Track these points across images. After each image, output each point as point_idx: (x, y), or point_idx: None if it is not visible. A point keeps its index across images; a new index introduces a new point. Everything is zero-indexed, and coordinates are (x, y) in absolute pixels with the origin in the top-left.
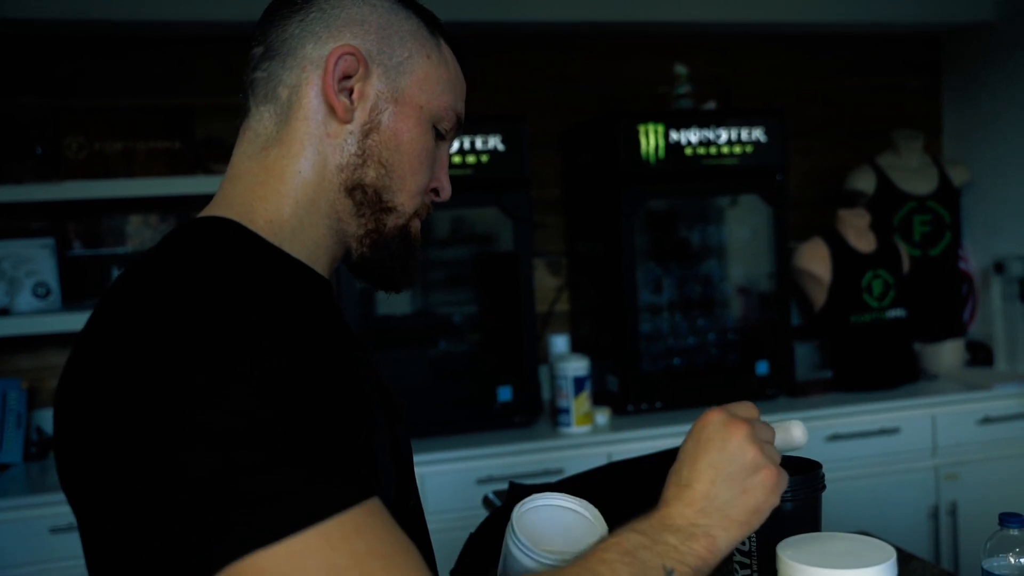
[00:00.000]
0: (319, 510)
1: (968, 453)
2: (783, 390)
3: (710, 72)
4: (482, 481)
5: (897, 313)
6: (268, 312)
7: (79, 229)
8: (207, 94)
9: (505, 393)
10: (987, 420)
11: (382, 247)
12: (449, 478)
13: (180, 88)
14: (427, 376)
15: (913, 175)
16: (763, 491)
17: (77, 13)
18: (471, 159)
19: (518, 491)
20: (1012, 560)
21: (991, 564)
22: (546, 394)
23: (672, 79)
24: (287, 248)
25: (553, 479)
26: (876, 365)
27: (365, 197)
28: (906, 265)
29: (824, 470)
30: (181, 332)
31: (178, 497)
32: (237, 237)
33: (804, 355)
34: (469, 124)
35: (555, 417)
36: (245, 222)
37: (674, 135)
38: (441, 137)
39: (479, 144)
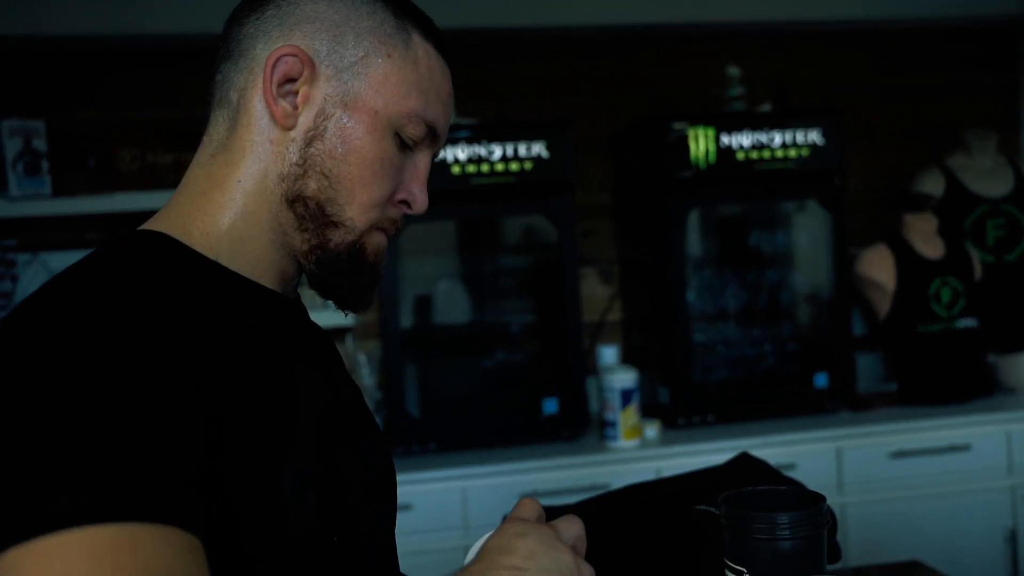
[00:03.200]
0: (88, 515)
1: None
2: (844, 403)
3: (764, 73)
4: (525, 495)
5: (968, 323)
6: (139, 331)
7: None
8: None
9: (551, 405)
10: None
11: (328, 264)
12: (492, 492)
13: None
14: (478, 386)
15: (986, 176)
16: None
17: (129, 28)
18: (514, 166)
19: None
20: None
21: None
22: (595, 406)
23: (724, 81)
24: (224, 261)
25: (597, 494)
26: (945, 377)
27: (307, 210)
28: (978, 272)
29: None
30: (45, 340)
31: None
32: (154, 252)
33: (867, 367)
34: (512, 130)
35: (602, 430)
36: (179, 234)
37: (725, 139)
38: (408, 146)
39: (522, 151)
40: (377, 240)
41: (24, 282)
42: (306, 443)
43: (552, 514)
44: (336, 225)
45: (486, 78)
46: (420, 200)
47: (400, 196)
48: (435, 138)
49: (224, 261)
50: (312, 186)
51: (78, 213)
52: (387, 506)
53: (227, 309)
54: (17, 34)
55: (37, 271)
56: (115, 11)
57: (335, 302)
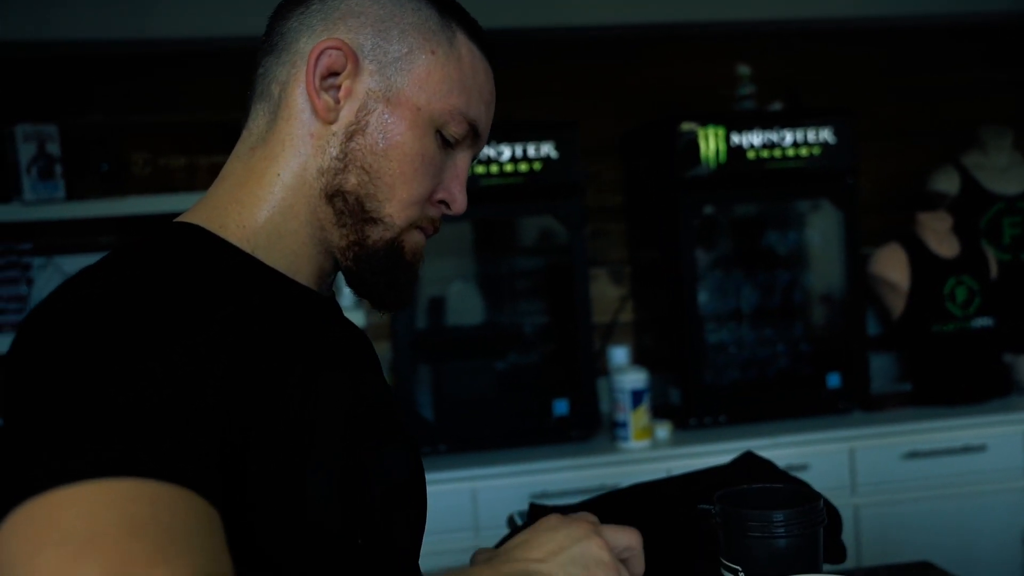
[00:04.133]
0: (108, 468)
1: None
2: (857, 404)
3: (775, 73)
4: (536, 496)
5: (984, 322)
6: (170, 313)
7: None
8: None
9: (561, 407)
10: None
11: (366, 261)
12: (502, 493)
13: (241, 102)
14: (490, 388)
15: (1002, 174)
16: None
17: (137, 32)
18: (523, 167)
19: (538, 512)
20: None
21: None
22: (605, 407)
23: (734, 81)
24: (261, 255)
25: (599, 493)
26: (960, 377)
27: (346, 205)
28: (994, 270)
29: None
30: (80, 314)
31: None
32: (189, 243)
33: (881, 367)
34: (521, 131)
35: (613, 431)
36: (215, 227)
37: (736, 138)
38: (449, 144)
39: (531, 151)
40: (416, 239)
41: (39, 285)
42: (330, 445)
43: (542, 513)
44: (375, 221)
45: (495, 79)
46: (460, 200)
47: (439, 196)
48: (476, 138)
49: (260, 255)
50: (352, 181)
51: (91, 216)
52: (415, 511)
53: (260, 303)
54: (28, 39)
55: (52, 275)
56: (123, 15)
57: (371, 301)
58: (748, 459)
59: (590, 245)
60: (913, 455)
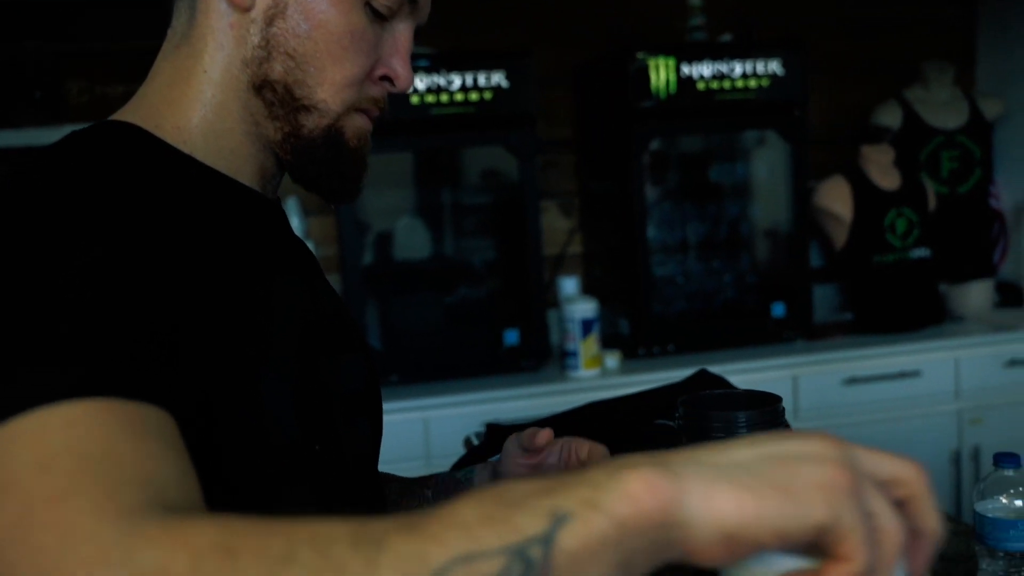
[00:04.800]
0: (34, 396)
1: (993, 397)
2: (801, 333)
3: (727, 4)
4: (488, 425)
5: (922, 253)
6: (109, 211)
7: None
8: None
9: (512, 337)
10: (1014, 363)
11: (305, 152)
12: (453, 422)
13: None
14: (440, 321)
15: (942, 109)
16: (812, 476)
17: None
18: (474, 96)
19: (496, 432)
20: (1005, 501)
21: (984, 507)
22: (555, 339)
23: (686, 12)
24: (200, 157)
25: (553, 412)
26: (898, 307)
27: (275, 96)
28: (932, 203)
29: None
30: (12, 217)
31: None
32: (126, 141)
33: (824, 297)
34: (471, 60)
35: (563, 360)
36: (151, 127)
37: (686, 69)
38: (383, 16)
39: (482, 81)
40: (357, 123)
41: None
42: (286, 351)
43: (500, 432)
44: (308, 109)
45: (444, 8)
46: (404, 76)
47: (380, 72)
48: (414, 5)
49: (200, 157)
50: (278, 69)
51: (24, 145)
52: (371, 421)
53: (207, 205)
54: None
55: None
56: None
57: (319, 194)
58: (702, 376)
59: (539, 177)
60: (853, 381)
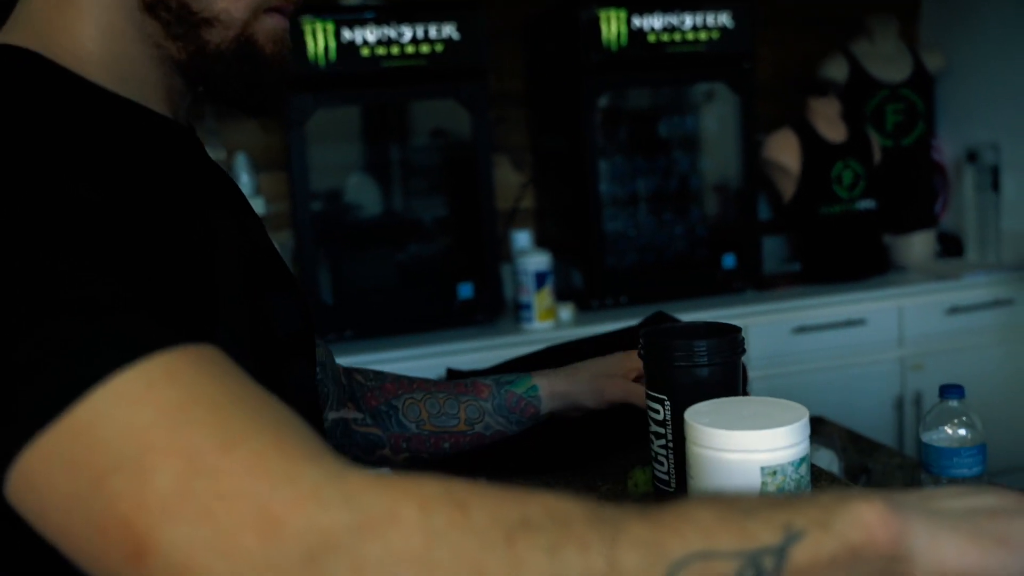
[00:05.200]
0: (101, 365)
1: (934, 343)
2: (750, 284)
3: None
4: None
5: (867, 204)
6: (68, 153)
7: None
8: None
9: (466, 290)
10: (955, 310)
11: (215, 69)
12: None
13: None
14: (393, 277)
15: (887, 62)
16: (1012, 535)
17: None
18: (424, 48)
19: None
20: (949, 431)
21: (929, 437)
22: (509, 293)
23: None
24: (107, 87)
25: (515, 356)
26: (844, 257)
27: (171, 14)
28: (877, 155)
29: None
30: None
31: None
32: (24, 70)
33: (773, 248)
34: (421, 11)
35: (517, 313)
36: (48, 55)
37: (636, 21)
38: None
39: (432, 32)
40: (269, 26)
41: None
42: (232, 292)
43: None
44: (209, 23)
45: None
46: None
47: None
48: None
49: (107, 87)
50: None
51: None
52: (308, 362)
53: (131, 139)
54: None
55: None
56: None
57: (239, 109)
58: (659, 318)
59: (491, 131)
60: (801, 330)
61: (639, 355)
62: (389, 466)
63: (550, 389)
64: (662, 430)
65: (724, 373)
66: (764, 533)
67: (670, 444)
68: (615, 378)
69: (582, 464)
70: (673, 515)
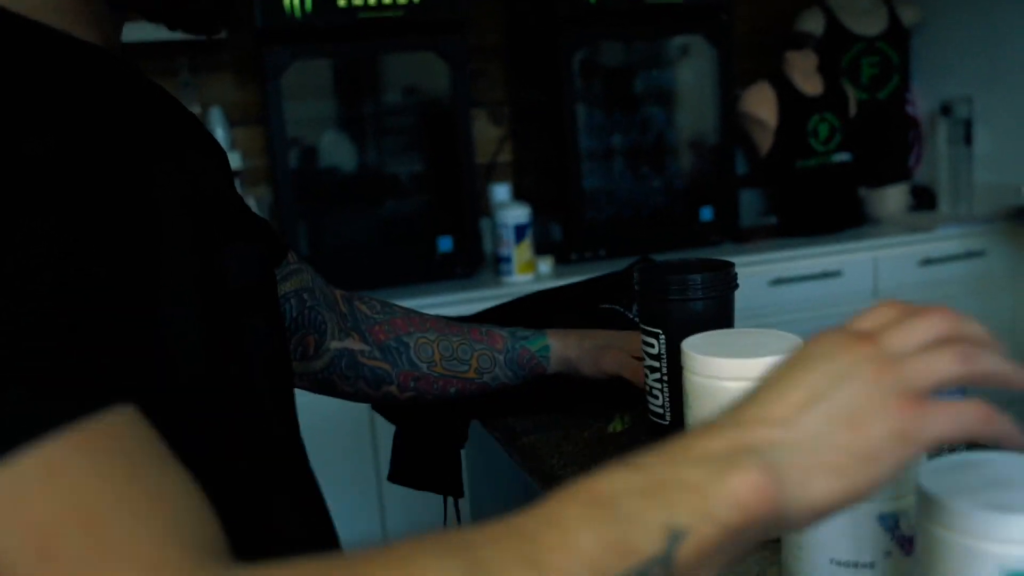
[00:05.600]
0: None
1: (908, 294)
2: (727, 236)
3: None
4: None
5: (843, 157)
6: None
7: None
8: None
9: (446, 243)
10: (928, 262)
11: None
12: None
13: None
14: (373, 232)
15: (863, 15)
16: (884, 430)
17: None
18: None
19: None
20: None
21: None
22: (489, 246)
23: None
24: (16, 9)
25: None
26: (820, 210)
27: None
28: (853, 108)
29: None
30: None
31: None
32: None
33: (750, 202)
34: None
35: (497, 266)
36: None
37: None
38: None
39: None
40: None
41: None
42: (180, 247)
43: None
44: None
45: None
46: None
47: None
48: None
49: (15, 8)
50: None
51: None
52: (269, 312)
53: (63, 74)
54: None
55: None
56: None
57: (182, 29)
58: (645, 262)
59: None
60: (778, 282)
61: (634, 290)
62: (395, 401)
63: (560, 352)
64: (657, 364)
65: (718, 307)
66: (646, 543)
67: (664, 378)
68: (615, 350)
69: (569, 407)
70: (557, 551)
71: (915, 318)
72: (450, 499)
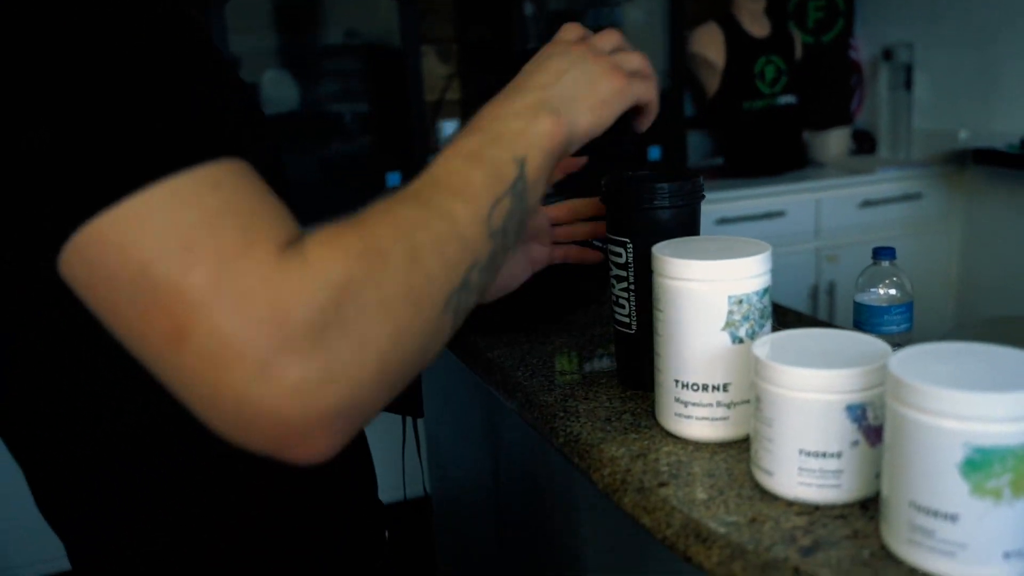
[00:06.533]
0: (164, 165)
1: (848, 236)
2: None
3: None
4: None
5: (788, 100)
6: None
7: None
8: None
9: (394, 179)
10: (867, 203)
11: None
12: None
13: None
14: (319, 172)
15: None
16: (610, 88)
17: None
18: None
19: None
20: (882, 291)
21: (862, 297)
22: None
23: None
24: None
25: None
26: (766, 152)
27: None
28: (799, 51)
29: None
30: None
31: (14, 177)
32: None
33: (697, 143)
34: None
35: None
36: None
37: None
38: None
39: None
40: None
41: None
42: (228, 76)
43: None
44: None
45: None
46: None
47: None
48: None
49: None
50: None
51: None
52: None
53: None
54: None
55: None
56: None
57: None
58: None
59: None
60: (723, 221)
61: (601, 200)
62: None
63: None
64: (624, 273)
65: (686, 216)
66: (508, 171)
67: (632, 287)
68: (533, 244)
69: (530, 326)
70: (457, 181)
71: (600, 33)
72: (409, 419)
